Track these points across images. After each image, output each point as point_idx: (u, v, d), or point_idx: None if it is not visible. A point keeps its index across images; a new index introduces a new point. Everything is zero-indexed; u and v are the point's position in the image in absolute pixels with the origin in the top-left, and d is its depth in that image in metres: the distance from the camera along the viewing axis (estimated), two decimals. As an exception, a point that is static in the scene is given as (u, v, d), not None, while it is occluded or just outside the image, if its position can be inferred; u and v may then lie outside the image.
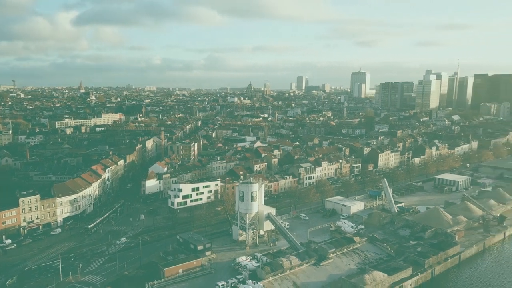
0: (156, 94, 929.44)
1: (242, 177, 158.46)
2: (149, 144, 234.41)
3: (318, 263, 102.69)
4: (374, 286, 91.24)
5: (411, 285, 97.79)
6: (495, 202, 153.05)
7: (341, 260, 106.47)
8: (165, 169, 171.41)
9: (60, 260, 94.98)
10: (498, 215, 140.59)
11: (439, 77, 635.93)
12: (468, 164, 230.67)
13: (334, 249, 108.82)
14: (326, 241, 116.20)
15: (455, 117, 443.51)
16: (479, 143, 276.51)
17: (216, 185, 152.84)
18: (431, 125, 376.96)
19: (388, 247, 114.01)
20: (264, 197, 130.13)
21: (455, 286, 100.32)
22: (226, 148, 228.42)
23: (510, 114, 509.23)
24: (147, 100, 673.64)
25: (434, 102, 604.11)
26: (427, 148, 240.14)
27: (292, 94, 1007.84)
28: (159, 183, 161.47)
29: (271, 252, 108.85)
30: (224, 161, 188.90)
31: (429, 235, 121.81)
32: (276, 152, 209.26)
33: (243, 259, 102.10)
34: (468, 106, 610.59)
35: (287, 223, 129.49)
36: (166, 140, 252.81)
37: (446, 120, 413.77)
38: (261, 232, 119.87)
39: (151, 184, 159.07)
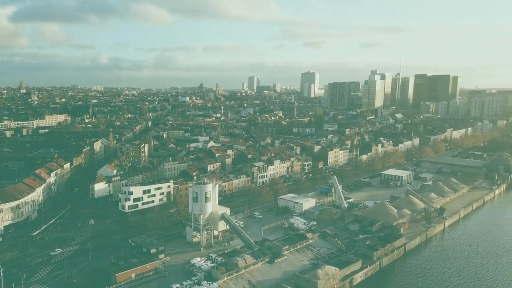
0: (104, 94, 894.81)
1: (195, 177, 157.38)
2: (97, 146, 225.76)
3: (273, 261, 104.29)
4: (326, 280, 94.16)
5: (361, 277, 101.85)
6: (436, 195, 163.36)
7: (295, 257, 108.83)
8: (115, 171, 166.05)
9: (0, 271, 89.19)
10: (438, 207, 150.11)
11: (383, 77, 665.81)
12: (414, 159, 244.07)
13: (287, 246, 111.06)
14: (279, 238, 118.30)
15: (398, 116, 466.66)
16: (420, 140, 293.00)
17: (169, 186, 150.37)
18: (377, 123, 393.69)
19: (339, 242, 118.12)
20: (218, 197, 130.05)
21: (401, 276, 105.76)
22: (178, 148, 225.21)
23: (447, 112, 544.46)
24: (95, 101, 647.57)
25: (379, 101, 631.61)
26: (373, 145, 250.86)
27: (244, 94, 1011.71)
28: (109, 186, 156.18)
29: (226, 252, 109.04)
30: (177, 162, 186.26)
31: (376, 228, 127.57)
32: (229, 152, 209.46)
33: (197, 260, 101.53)
34: (410, 105, 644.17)
35: (242, 222, 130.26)
36: (115, 141, 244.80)
37: (390, 119, 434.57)
38: (216, 233, 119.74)
39: (100, 188, 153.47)
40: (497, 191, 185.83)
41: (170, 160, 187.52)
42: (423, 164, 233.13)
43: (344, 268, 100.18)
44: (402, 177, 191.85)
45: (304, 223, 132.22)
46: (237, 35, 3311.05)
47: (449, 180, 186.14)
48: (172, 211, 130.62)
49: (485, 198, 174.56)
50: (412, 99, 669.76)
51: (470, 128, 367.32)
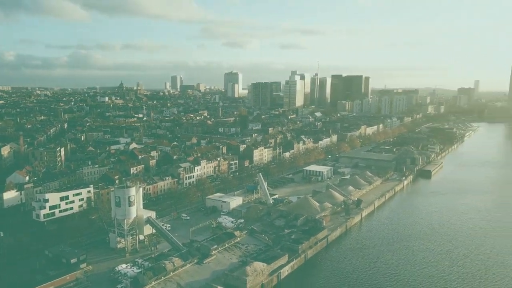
0: (12, 95, 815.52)
1: (117, 181, 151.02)
2: (5, 151, 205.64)
3: (201, 261, 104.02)
4: (255, 276, 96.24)
5: (288, 270, 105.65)
6: (353, 188, 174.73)
7: (224, 256, 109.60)
8: (27, 178, 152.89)
9: None
10: (356, 199, 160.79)
11: (302, 78, 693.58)
12: (330, 155, 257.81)
13: (216, 246, 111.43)
14: (208, 238, 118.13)
15: (318, 114, 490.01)
16: (338, 137, 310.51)
17: (89, 192, 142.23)
18: (298, 122, 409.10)
19: (266, 237, 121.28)
20: (143, 200, 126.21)
21: (325, 266, 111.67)
22: (98, 151, 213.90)
23: (361, 110, 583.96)
24: (1, 101, 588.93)
25: (299, 101, 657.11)
26: (295, 143, 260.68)
27: (167, 93, 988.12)
28: (20, 194, 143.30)
29: (153, 256, 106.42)
30: (97, 166, 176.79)
31: (301, 222, 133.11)
32: (153, 153, 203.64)
33: (123, 267, 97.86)
34: (328, 103, 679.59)
35: (168, 225, 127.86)
36: (26, 145, 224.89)
37: (310, 117, 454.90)
38: (142, 237, 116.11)
39: (10, 196, 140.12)
40: (405, 182, 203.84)
41: (90, 163, 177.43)
42: (341, 159, 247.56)
43: (272, 263, 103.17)
44: (323, 172, 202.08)
45: (232, 222, 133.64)
46: (157, 33, 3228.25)
47: (365, 173, 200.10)
48: (94, 217, 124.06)
49: (396, 188, 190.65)
50: (329, 98, 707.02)
51: (381, 125, 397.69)
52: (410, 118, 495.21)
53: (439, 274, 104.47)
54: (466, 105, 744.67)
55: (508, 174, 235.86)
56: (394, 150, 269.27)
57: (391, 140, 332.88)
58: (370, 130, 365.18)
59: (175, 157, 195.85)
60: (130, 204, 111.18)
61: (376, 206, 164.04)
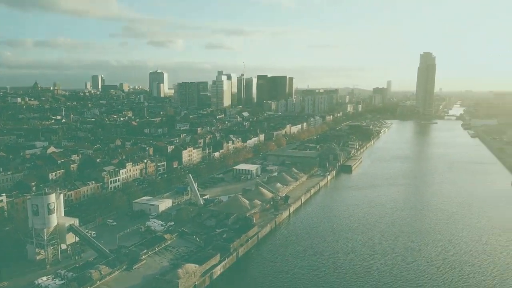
0: None
1: (34, 188, 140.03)
2: None
3: (130, 267, 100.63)
4: (187, 278, 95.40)
5: (220, 270, 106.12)
6: (281, 185, 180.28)
7: (154, 260, 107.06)
8: None
9: None
10: (284, 195, 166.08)
11: (229, 78, 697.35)
12: (261, 154, 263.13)
13: (145, 250, 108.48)
14: (136, 243, 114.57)
15: (245, 114, 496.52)
16: (265, 136, 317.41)
17: (1, 201, 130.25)
18: (226, 122, 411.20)
19: (197, 238, 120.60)
20: (64, 207, 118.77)
21: (256, 262, 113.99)
22: (11, 157, 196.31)
23: (286, 110, 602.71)
24: None
25: (227, 101, 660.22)
26: (224, 142, 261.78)
27: (88, 93, 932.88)
28: None
29: (77, 265, 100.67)
30: (9, 172, 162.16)
31: (232, 221, 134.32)
32: (74, 157, 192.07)
33: (43, 280, 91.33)
34: (255, 103, 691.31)
35: (93, 232, 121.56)
36: None
37: (238, 117, 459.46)
38: (64, 246, 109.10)
39: None
40: (329, 177, 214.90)
41: (1, 170, 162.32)
42: (269, 158, 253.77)
43: (204, 264, 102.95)
44: (252, 170, 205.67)
45: (162, 225, 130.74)
46: (76, 31, 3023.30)
47: (291, 170, 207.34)
48: (7, 228, 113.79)
49: (320, 184, 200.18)
50: (256, 98, 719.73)
51: (305, 124, 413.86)
52: (331, 116, 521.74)
53: (363, 261, 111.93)
54: (381, 104, 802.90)
55: (417, 167, 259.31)
56: (318, 147, 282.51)
57: (315, 137, 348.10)
58: (295, 129, 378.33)
59: (98, 160, 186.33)
60: (50, 212, 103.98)
61: (303, 201, 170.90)
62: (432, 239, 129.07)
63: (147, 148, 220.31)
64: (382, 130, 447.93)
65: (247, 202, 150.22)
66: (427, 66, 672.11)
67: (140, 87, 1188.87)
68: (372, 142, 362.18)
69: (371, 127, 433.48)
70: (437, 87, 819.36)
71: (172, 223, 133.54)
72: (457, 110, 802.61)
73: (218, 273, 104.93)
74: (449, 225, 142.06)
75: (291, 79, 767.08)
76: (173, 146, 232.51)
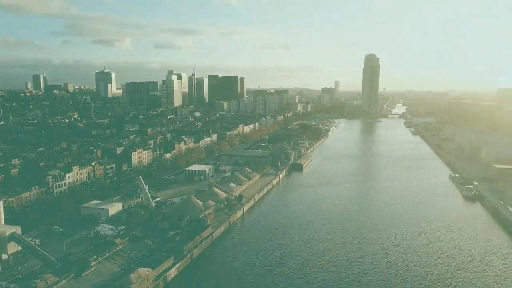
0: None
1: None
2: None
3: (79, 275, 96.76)
4: (140, 283, 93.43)
5: (174, 272, 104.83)
6: (234, 185, 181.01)
7: (104, 266, 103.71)
8: None
9: None
10: (237, 195, 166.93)
11: (179, 77, 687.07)
12: (216, 154, 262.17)
13: (95, 257, 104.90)
14: (85, 250, 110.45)
15: (197, 114, 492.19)
16: (218, 136, 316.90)
17: None
18: (178, 122, 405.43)
19: (149, 242, 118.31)
20: (5, 215, 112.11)
21: (210, 263, 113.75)
22: None
23: (238, 110, 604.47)
24: None
25: (177, 101, 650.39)
26: (176, 143, 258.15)
27: (29, 94, 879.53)
28: None
29: (21, 276, 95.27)
30: None
31: (185, 223, 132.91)
32: (15, 161, 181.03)
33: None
34: (206, 103, 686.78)
35: (38, 240, 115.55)
36: None
37: (190, 117, 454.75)
38: (5, 256, 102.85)
39: None
40: (281, 176, 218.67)
41: None
42: (222, 158, 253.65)
43: (157, 267, 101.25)
44: (205, 171, 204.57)
45: (112, 229, 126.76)
46: (13, 28, 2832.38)
47: (244, 170, 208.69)
48: None
49: (273, 182, 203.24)
50: (207, 98, 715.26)
51: (257, 123, 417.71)
52: (282, 116, 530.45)
53: (315, 257, 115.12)
54: (329, 104, 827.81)
55: (364, 164, 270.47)
56: (270, 146, 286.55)
57: (267, 137, 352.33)
58: (247, 129, 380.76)
59: (42, 164, 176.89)
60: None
61: (256, 200, 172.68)
62: (379, 232, 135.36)
63: (94, 150, 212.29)
64: (331, 129, 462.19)
65: (200, 203, 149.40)
66: (371, 67, 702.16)
67: (86, 87, 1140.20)
68: (322, 140, 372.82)
69: (320, 126, 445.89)
70: (381, 87, 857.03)
71: (123, 227, 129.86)
72: (399, 109, 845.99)
73: (172, 276, 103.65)
74: (395, 218, 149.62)
75: (242, 79, 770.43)
76: (122, 147, 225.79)
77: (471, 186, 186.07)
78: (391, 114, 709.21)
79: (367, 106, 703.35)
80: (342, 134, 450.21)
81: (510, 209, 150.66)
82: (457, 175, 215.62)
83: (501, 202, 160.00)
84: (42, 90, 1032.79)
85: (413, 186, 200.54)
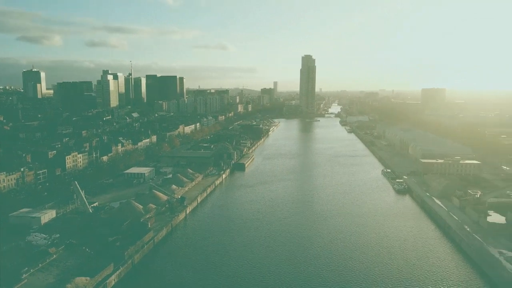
0: None
1: None
2: None
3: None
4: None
5: (114, 280, 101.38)
6: (176, 186, 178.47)
7: (38, 278, 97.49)
8: None
9: None
10: (179, 197, 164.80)
11: (115, 77, 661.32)
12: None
13: (26, 268, 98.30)
14: (15, 262, 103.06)
15: (135, 115, 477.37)
16: (157, 137, 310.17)
17: None
18: (114, 124, 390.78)
19: (87, 249, 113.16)
20: None
21: (153, 268, 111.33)
22: None
23: (178, 110, 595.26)
24: None
25: (114, 101, 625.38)
26: (113, 145, 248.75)
27: None
28: None
29: None
30: None
31: (125, 228, 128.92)
32: None
33: None
34: (145, 104, 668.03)
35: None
36: None
37: (127, 118, 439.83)
38: None
39: None
40: (223, 176, 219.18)
41: None
42: (163, 159, 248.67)
43: (96, 275, 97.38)
44: (145, 174, 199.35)
45: (45, 238, 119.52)
46: None
47: (186, 171, 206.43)
48: None
49: (216, 183, 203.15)
50: (146, 98, 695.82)
51: (198, 124, 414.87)
52: (223, 116, 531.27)
53: (259, 255, 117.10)
54: (269, 104, 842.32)
55: (303, 162, 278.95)
56: (212, 146, 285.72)
57: (208, 137, 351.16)
58: (188, 129, 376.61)
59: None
60: None
61: (199, 202, 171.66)
62: (319, 228, 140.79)
63: (23, 154, 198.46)
64: (271, 129, 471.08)
65: (141, 207, 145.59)
66: (308, 67, 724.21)
67: (13, 87, 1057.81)
68: (263, 140, 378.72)
69: (261, 126, 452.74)
70: (317, 88, 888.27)
71: (58, 235, 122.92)
72: (335, 108, 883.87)
73: (113, 283, 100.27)
74: (334, 214, 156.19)
75: (181, 79, 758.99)
76: (55, 151, 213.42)
77: (401, 180, 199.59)
78: (328, 114, 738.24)
79: (305, 106, 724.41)
80: (282, 133, 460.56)
81: (436, 200, 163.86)
82: (388, 170, 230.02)
83: (427, 194, 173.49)
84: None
85: (349, 182, 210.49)
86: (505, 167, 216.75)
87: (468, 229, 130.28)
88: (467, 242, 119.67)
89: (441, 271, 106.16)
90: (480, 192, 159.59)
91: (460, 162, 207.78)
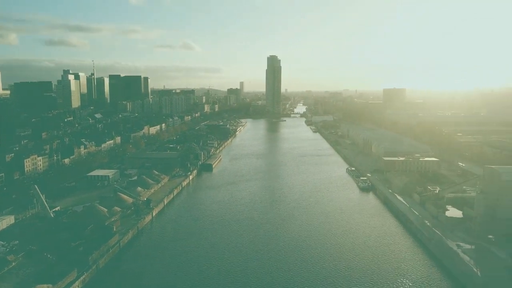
0: None
1: None
2: None
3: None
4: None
5: (78, 286, 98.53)
6: (142, 189, 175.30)
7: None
8: None
9: None
10: (145, 199, 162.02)
11: (77, 77, 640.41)
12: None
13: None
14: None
15: (98, 115, 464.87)
16: (122, 138, 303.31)
17: None
18: (76, 125, 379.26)
19: (48, 255, 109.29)
20: None
21: (118, 272, 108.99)
22: None
23: (142, 111, 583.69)
24: None
25: (75, 102, 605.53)
26: (75, 147, 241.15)
27: None
28: None
29: None
30: None
31: (89, 232, 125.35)
32: None
33: None
34: (108, 104, 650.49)
35: None
36: None
37: (90, 119, 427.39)
38: None
39: None
40: (190, 177, 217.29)
41: None
42: (127, 161, 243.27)
43: (59, 282, 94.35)
44: (109, 176, 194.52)
45: (3, 245, 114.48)
46: None
47: (152, 172, 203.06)
48: None
49: (183, 184, 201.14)
50: (109, 99, 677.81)
51: (164, 124, 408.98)
52: (189, 117, 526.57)
53: (227, 256, 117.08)
54: (235, 104, 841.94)
55: (270, 162, 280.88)
56: (178, 147, 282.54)
57: (175, 138, 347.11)
58: (153, 130, 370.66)
59: None
60: None
61: (165, 204, 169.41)
62: (286, 226, 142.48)
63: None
64: (238, 129, 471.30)
65: (105, 210, 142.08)
66: (273, 68, 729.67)
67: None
68: (230, 140, 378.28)
69: (228, 126, 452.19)
70: (283, 88, 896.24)
71: (17, 242, 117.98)
72: (300, 108, 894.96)
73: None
74: (301, 212, 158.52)
75: (146, 79, 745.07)
76: (13, 154, 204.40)
77: (365, 178, 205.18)
78: (293, 114, 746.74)
79: (271, 106, 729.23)
80: (249, 133, 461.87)
81: (398, 197, 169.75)
82: (353, 168, 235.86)
83: (390, 191, 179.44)
84: None
85: (315, 180, 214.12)
86: (461, 164, 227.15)
87: (428, 223, 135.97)
88: (427, 236, 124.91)
89: (403, 265, 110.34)
90: (438, 188, 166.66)
91: (420, 159, 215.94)
